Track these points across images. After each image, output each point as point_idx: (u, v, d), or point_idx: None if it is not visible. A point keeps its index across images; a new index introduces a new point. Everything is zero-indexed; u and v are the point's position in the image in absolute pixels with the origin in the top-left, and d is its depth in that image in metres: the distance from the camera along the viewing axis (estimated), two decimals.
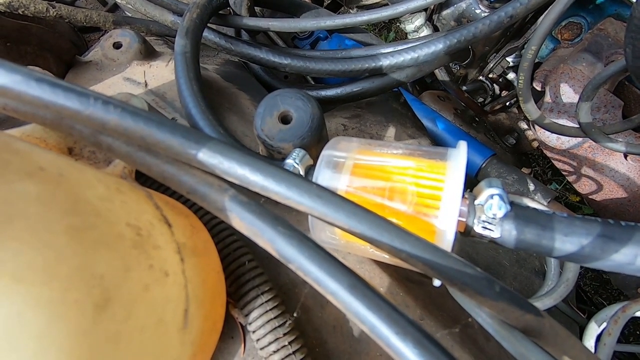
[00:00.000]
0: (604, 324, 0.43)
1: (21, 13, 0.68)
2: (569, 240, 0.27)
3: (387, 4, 0.72)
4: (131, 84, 0.52)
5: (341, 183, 0.29)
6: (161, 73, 0.55)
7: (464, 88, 1.05)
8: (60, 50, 0.57)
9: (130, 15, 0.88)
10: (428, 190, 0.27)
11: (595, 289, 1.52)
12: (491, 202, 0.27)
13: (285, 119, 0.38)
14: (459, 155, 0.27)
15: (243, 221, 0.22)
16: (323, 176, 0.30)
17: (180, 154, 0.22)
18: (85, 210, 0.17)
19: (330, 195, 0.23)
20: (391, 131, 0.72)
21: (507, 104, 1.06)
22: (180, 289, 0.22)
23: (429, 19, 0.79)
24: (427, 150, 0.31)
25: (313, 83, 0.88)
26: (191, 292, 0.22)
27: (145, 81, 0.52)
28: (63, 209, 0.16)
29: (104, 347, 0.16)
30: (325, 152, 0.31)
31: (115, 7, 1.07)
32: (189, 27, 0.54)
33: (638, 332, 1.29)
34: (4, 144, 0.17)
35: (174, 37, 0.81)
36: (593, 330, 0.44)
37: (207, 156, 0.22)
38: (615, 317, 0.37)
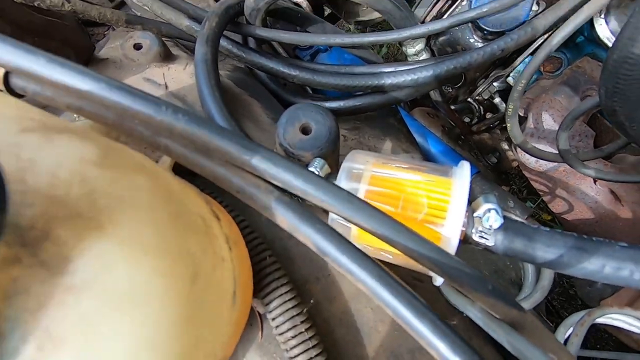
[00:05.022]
0: (571, 329, 0.49)
1: (36, 5, 0.69)
2: (550, 250, 0.32)
3: (383, 20, 0.77)
4: (151, 85, 0.55)
5: (360, 192, 0.34)
6: (180, 76, 0.58)
7: (453, 107, 1.11)
8: (80, 47, 0.59)
9: (139, 14, 0.90)
10: (436, 202, 0.32)
11: (561, 304, 1.61)
12: (488, 215, 0.32)
13: (305, 130, 0.41)
14: (463, 174, 0.32)
15: (286, 218, 0.26)
16: (344, 186, 0.34)
17: (236, 159, 0.26)
18: (176, 201, 0.21)
19: (359, 201, 0.27)
20: (387, 145, 0.77)
21: (491, 125, 1.13)
22: (230, 273, 0.25)
23: (427, 44, 0.85)
24: (433, 167, 0.35)
25: (311, 93, 0.92)
26: (237, 276, 0.26)
27: (166, 83, 0.55)
28: (164, 198, 0.20)
29: (194, 311, 0.19)
30: (346, 165, 0.35)
31: (122, 4, 1.08)
32: (209, 35, 0.58)
33: (594, 341, 1.39)
34: (113, 145, 0.20)
35: (185, 40, 0.84)
36: (561, 334, 0.50)
37: (259, 162, 0.26)
38: (581, 320, 0.42)
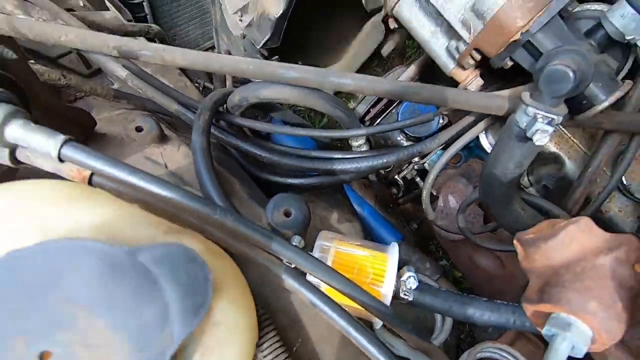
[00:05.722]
0: None
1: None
2: (445, 304, 0.51)
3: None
4: (152, 164, 0.67)
5: (328, 262, 0.50)
6: (175, 157, 0.71)
7: (384, 183, 1.37)
8: (85, 127, 0.69)
9: (118, 87, 1.02)
10: (378, 270, 0.49)
11: None
12: (409, 280, 0.50)
13: (287, 213, 0.57)
14: (395, 253, 0.51)
15: (290, 282, 0.41)
16: (317, 256, 0.50)
17: (260, 243, 0.41)
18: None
19: (328, 268, 0.43)
20: (335, 215, 0.95)
21: (413, 198, 1.40)
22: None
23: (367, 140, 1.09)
24: (375, 246, 0.53)
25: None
26: None
27: (165, 163, 0.67)
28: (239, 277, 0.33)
29: None
30: (318, 242, 0.52)
31: (99, 71, 1.16)
32: (204, 127, 0.72)
33: None
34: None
35: (163, 114, 0.97)
36: None
37: (275, 246, 0.41)
38: (470, 353, 0.61)
